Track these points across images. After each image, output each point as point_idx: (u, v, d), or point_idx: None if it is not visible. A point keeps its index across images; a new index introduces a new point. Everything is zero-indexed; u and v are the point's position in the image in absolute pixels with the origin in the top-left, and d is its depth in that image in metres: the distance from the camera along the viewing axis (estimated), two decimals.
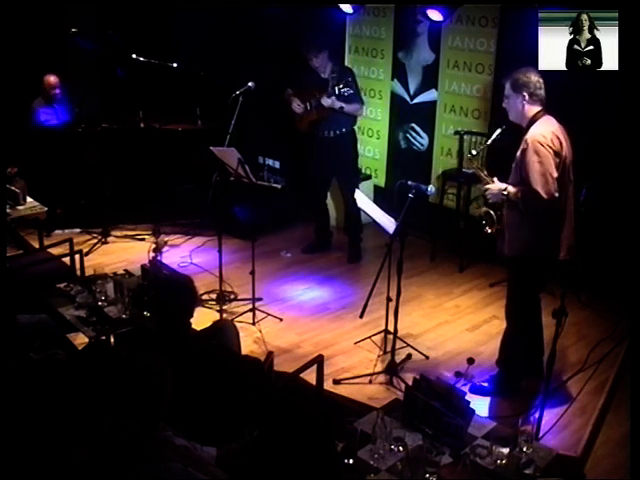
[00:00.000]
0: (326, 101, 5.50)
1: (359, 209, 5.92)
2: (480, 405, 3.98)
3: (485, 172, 3.92)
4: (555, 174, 3.58)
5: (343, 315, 5.14)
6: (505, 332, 4.15)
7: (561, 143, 3.66)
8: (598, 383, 4.25)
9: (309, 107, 5.66)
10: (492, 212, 3.91)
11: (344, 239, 6.22)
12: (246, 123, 5.44)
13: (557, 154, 3.62)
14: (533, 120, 3.72)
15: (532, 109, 3.72)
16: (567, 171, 3.73)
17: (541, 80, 3.71)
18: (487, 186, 3.86)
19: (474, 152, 3.92)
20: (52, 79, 6.51)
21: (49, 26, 7.00)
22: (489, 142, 3.92)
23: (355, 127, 5.93)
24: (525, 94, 3.69)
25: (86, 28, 6.67)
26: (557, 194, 3.59)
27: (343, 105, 5.55)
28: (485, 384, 4.18)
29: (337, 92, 5.43)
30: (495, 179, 3.86)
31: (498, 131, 3.90)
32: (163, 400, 2.40)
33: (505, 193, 3.76)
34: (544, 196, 3.56)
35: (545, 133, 3.63)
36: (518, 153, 3.72)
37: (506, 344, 4.14)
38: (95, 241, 6.27)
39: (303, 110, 5.70)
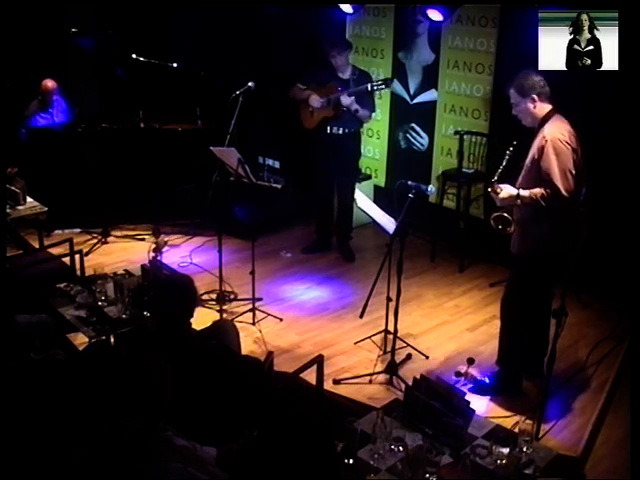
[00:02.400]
0: (346, 100, 5.51)
1: (352, 208, 5.96)
2: (480, 405, 3.98)
3: (499, 188, 3.86)
4: (574, 171, 3.60)
5: (343, 315, 5.14)
6: (501, 330, 4.15)
7: (576, 141, 3.69)
8: (598, 383, 4.25)
9: (328, 102, 5.65)
10: (505, 214, 3.89)
11: None
12: (246, 123, 5.44)
13: (574, 151, 3.65)
14: (546, 118, 3.73)
15: (543, 108, 3.74)
16: (581, 168, 3.74)
17: (542, 78, 3.74)
18: (499, 196, 3.82)
19: (495, 179, 3.90)
20: (50, 84, 6.52)
21: (49, 26, 6.99)
22: (504, 163, 3.90)
23: (361, 129, 5.99)
24: (534, 96, 3.71)
25: (86, 28, 6.66)
26: (574, 189, 3.60)
27: (359, 108, 5.58)
28: (486, 379, 4.18)
29: (370, 88, 5.46)
30: (503, 186, 3.82)
31: (510, 149, 3.88)
32: (164, 400, 2.40)
33: (518, 202, 3.75)
34: (564, 193, 3.57)
35: (563, 131, 3.66)
36: (534, 150, 3.72)
37: (503, 342, 4.14)
38: (95, 241, 6.27)
39: (321, 105, 5.68)
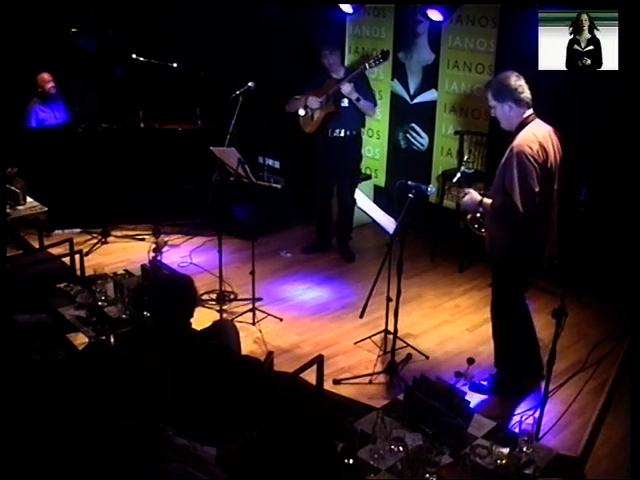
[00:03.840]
0: (346, 88, 5.47)
1: (353, 210, 5.97)
2: (479, 404, 3.98)
3: (463, 192, 3.89)
4: (537, 188, 3.53)
5: (343, 315, 5.14)
6: (493, 332, 4.16)
7: (547, 154, 3.60)
8: (598, 383, 4.25)
9: (327, 99, 5.64)
10: (476, 216, 3.88)
11: None
12: (246, 123, 5.45)
13: (542, 166, 3.56)
14: (523, 124, 3.65)
15: (521, 114, 3.65)
16: (552, 179, 3.68)
17: (522, 82, 3.64)
18: (462, 200, 3.85)
19: (454, 181, 3.94)
20: (45, 75, 6.51)
21: (49, 26, 7.00)
22: (458, 175, 3.97)
23: (362, 129, 5.99)
24: (510, 103, 3.62)
25: (86, 28, 6.67)
26: (533, 207, 3.55)
27: (360, 97, 5.57)
28: (484, 382, 4.18)
29: (368, 67, 5.47)
30: (468, 190, 3.83)
31: (459, 174, 3.96)
32: (164, 400, 2.40)
33: (481, 210, 3.75)
34: (521, 210, 3.51)
35: (532, 144, 3.55)
36: (503, 159, 3.67)
37: (497, 344, 4.15)
38: (95, 241, 6.27)
39: (320, 104, 5.67)
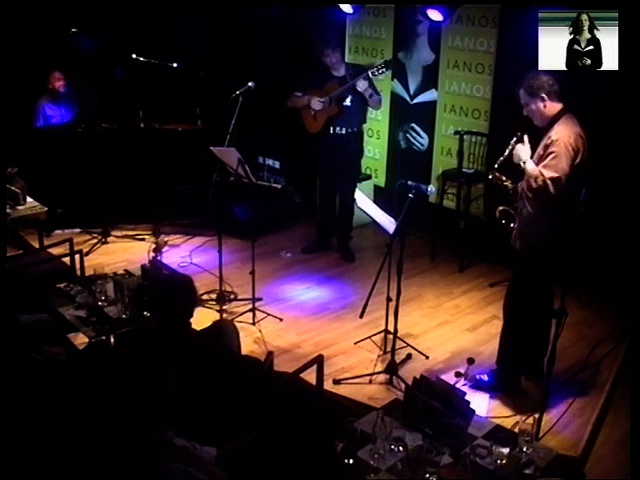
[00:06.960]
0: (362, 85, 5.50)
1: (353, 209, 5.97)
2: (480, 404, 3.98)
3: (504, 177, 3.95)
4: (568, 174, 3.60)
5: (343, 315, 5.14)
6: (502, 329, 4.16)
7: (583, 144, 3.69)
8: (598, 383, 4.25)
9: (330, 101, 5.65)
10: (509, 208, 3.91)
11: None
12: (246, 123, 5.45)
13: (577, 155, 3.65)
14: (556, 118, 3.73)
15: (554, 107, 3.74)
16: (584, 170, 3.74)
17: (551, 77, 3.74)
18: (517, 146, 3.84)
19: (496, 166, 3.94)
20: (56, 73, 6.54)
21: (49, 26, 7.00)
22: (506, 153, 3.92)
23: (363, 126, 6.01)
24: (544, 95, 3.71)
25: (86, 28, 6.67)
26: (561, 189, 3.61)
27: (373, 92, 5.61)
28: (485, 377, 4.18)
29: (371, 75, 5.48)
30: (526, 142, 3.83)
31: (515, 139, 3.89)
32: (169, 398, 2.40)
33: (521, 166, 3.78)
34: (552, 191, 3.59)
35: (571, 133, 3.66)
36: (539, 150, 3.75)
37: (504, 341, 4.14)
38: (95, 241, 6.27)
39: (323, 106, 5.68)
